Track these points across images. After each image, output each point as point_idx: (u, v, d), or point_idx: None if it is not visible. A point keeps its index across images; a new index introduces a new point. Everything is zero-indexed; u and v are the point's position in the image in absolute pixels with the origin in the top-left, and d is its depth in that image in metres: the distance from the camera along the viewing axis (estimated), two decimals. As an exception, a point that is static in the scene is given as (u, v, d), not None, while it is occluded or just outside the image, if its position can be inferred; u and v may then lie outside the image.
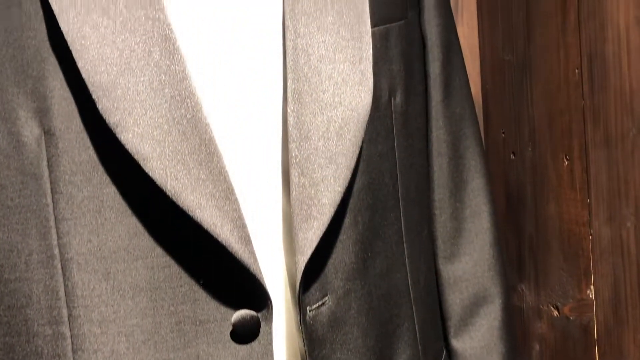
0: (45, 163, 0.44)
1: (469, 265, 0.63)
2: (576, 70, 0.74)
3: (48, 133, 0.43)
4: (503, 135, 0.92)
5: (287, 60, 0.46)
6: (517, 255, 0.89)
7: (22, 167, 0.44)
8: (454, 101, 0.63)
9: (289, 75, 0.46)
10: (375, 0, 0.53)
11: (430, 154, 0.62)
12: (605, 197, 0.71)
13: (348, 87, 0.46)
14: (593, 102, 0.71)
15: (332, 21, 0.47)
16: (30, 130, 0.44)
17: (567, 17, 0.74)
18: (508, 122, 0.90)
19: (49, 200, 0.44)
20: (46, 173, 0.44)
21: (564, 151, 0.77)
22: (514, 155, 0.90)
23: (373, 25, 0.52)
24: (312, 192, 0.44)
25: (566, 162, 0.77)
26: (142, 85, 0.41)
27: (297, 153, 0.44)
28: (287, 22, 0.46)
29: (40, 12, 0.44)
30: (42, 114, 0.43)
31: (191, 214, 0.41)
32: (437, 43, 0.61)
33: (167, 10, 0.43)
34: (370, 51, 0.48)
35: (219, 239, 0.41)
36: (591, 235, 0.74)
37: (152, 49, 0.42)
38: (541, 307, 0.85)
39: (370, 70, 0.47)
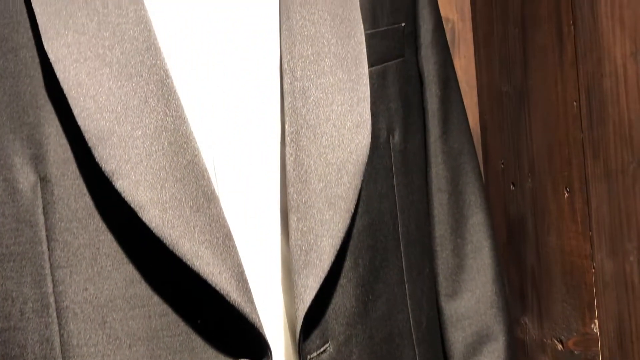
0: (40, 210, 0.43)
1: (471, 302, 0.62)
2: (574, 103, 0.74)
3: (44, 180, 0.43)
4: (502, 165, 0.92)
5: (285, 103, 0.46)
6: (519, 287, 0.88)
7: (17, 214, 0.43)
8: (452, 137, 0.63)
9: (287, 118, 0.46)
10: (373, 40, 0.53)
11: (430, 190, 0.62)
12: (607, 230, 0.70)
13: (346, 129, 0.46)
14: (592, 135, 0.71)
15: (329, 64, 0.47)
16: (25, 177, 0.43)
17: (564, 50, 0.75)
18: (507, 153, 0.90)
19: (45, 247, 0.43)
20: (42, 220, 0.43)
21: (564, 183, 0.77)
22: (514, 186, 0.89)
23: (370, 64, 0.52)
24: (312, 238, 0.43)
25: (567, 194, 0.77)
26: (139, 131, 0.41)
27: (295, 197, 0.44)
28: (285, 66, 0.46)
29: (37, 59, 0.44)
30: (38, 160, 0.43)
31: (188, 262, 0.40)
32: (434, 80, 0.61)
33: (164, 53, 0.43)
34: (368, 92, 0.48)
35: (217, 288, 0.40)
36: (594, 268, 0.73)
37: (148, 95, 0.42)
38: (545, 340, 0.83)
39: (368, 111, 0.47)
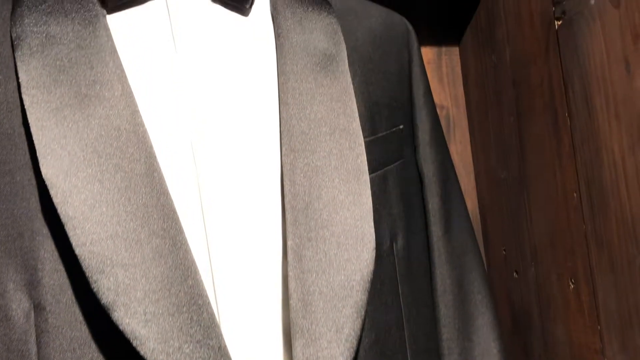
0: (33, 339, 0.41)
1: None
2: (574, 194, 0.74)
3: (38, 307, 0.41)
4: (504, 252, 0.91)
5: (287, 217, 0.45)
6: (527, 378, 0.85)
7: (9, 344, 0.42)
8: (454, 235, 0.62)
9: (289, 234, 0.45)
10: (373, 147, 0.53)
11: (435, 291, 0.60)
12: (617, 325, 0.68)
13: (350, 246, 0.45)
14: (595, 227, 0.70)
15: (331, 177, 0.47)
16: (18, 304, 0.42)
17: (561, 141, 0.75)
18: (508, 239, 0.89)
19: None
20: (34, 350, 0.41)
21: (568, 274, 0.76)
22: (517, 274, 0.88)
23: (371, 171, 0.52)
24: None
25: (572, 285, 0.75)
26: (138, 257, 0.40)
27: (300, 321, 0.42)
28: (287, 179, 0.46)
29: (34, 182, 0.43)
30: (32, 286, 0.42)
31: None
32: (434, 180, 0.61)
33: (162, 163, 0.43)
34: (371, 205, 0.47)
35: None
36: (605, 363, 0.71)
37: (148, 219, 0.41)
38: None
39: (372, 226, 0.46)
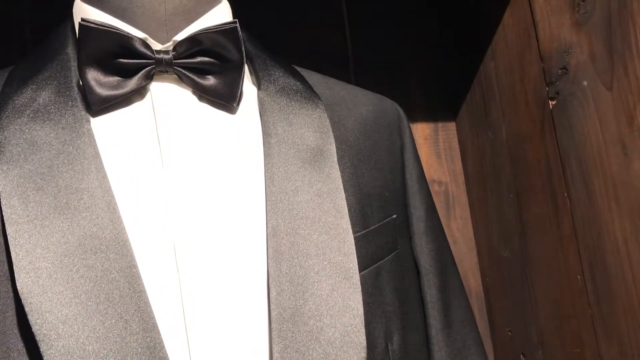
0: None
1: None
2: (578, 276, 0.71)
3: None
4: (510, 333, 0.88)
5: (273, 326, 0.43)
6: None
7: None
8: (455, 328, 0.59)
9: (275, 344, 0.43)
10: (364, 241, 0.51)
11: None
12: (631, 418, 0.65)
13: (339, 356, 0.43)
14: (601, 312, 0.68)
15: (318, 281, 0.45)
16: None
17: (561, 222, 0.73)
18: (513, 320, 0.86)
19: None
20: None
21: (577, 361, 0.72)
22: (524, 356, 0.84)
23: (363, 268, 0.50)
24: None
25: (582, 373, 0.72)
26: None
27: None
28: (272, 287, 0.44)
29: (11, 295, 0.41)
30: None
31: None
32: (431, 270, 0.59)
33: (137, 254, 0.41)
34: (361, 310, 0.45)
35: None
36: None
37: (130, 341, 0.39)
38: None
39: (362, 331, 0.44)
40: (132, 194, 0.45)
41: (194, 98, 0.50)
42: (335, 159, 0.50)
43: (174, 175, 0.47)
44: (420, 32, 0.99)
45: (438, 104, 0.99)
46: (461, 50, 0.95)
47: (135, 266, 0.41)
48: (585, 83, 0.68)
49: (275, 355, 0.42)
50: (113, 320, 0.39)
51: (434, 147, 0.97)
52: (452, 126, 0.98)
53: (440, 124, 0.98)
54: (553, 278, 0.76)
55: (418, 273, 0.60)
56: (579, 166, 0.69)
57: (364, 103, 0.60)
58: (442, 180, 0.96)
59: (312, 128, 0.51)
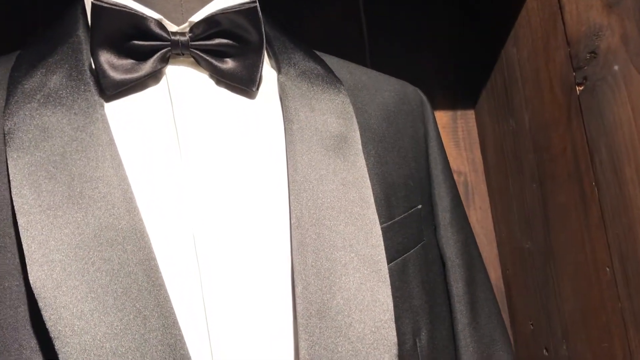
0: None
1: None
2: (607, 269, 0.69)
3: None
4: (532, 327, 0.85)
5: (299, 321, 0.41)
6: None
7: None
8: (482, 323, 0.57)
9: (302, 341, 0.40)
10: (390, 232, 0.49)
11: None
12: (663, 416, 0.62)
13: (369, 353, 0.40)
14: (633, 306, 0.65)
15: (346, 274, 0.43)
16: None
17: (589, 212, 0.71)
18: (536, 313, 0.84)
19: None
20: None
21: (606, 356, 0.70)
22: (547, 351, 0.82)
23: (390, 259, 0.47)
24: None
25: (610, 369, 0.69)
26: None
27: None
28: (298, 280, 0.42)
29: (23, 289, 0.39)
30: None
31: None
32: (458, 262, 0.57)
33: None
34: (391, 303, 0.43)
35: None
36: None
37: (149, 337, 0.37)
38: None
39: (393, 326, 0.42)
40: (148, 183, 0.43)
41: (212, 82, 0.48)
42: (360, 147, 0.47)
43: (192, 163, 0.44)
44: (438, 18, 0.96)
45: (457, 92, 0.96)
46: (481, 36, 0.92)
47: (153, 259, 0.39)
48: (616, 67, 0.65)
49: (302, 352, 0.40)
50: (131, 316, 0.37)
51: (452, 135, 0.94)
52: (471, 114, 0.96)
53: (459, 112, 0.95)
54: (579, 270, 0.73)
55: (443, 265, 0.57)
56: (609, 154, 0.66)
57: (386, 88, 0.58)
58: (461, 170, 0.94)
59: (335, 114, 0.49)
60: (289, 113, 0.48)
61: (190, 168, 0.44)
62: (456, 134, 0.95)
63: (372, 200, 0.46)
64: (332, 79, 0.52)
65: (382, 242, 0.44)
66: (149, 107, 0.46)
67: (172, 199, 0.43)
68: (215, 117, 0.47)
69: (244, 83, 0.48)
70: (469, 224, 0.62)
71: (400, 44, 0.94)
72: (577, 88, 0.71)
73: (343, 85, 0.51)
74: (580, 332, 0.74)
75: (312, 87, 0.50)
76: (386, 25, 0.94)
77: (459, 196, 0.61)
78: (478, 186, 0.94)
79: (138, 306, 0.38)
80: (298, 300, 0.41)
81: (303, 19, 0.90)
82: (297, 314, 0.41)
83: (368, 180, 0.46)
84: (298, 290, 0.41)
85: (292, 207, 0.44)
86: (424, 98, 0.62)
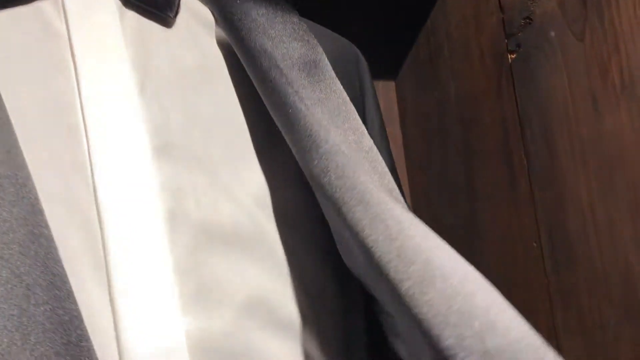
0: None
1: None
2: (534, 244, 0.66)
3: None
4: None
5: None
6: None
7: None
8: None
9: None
10: None
11: None
12: (588, 393, 0.61)
13: None
14: (559, 281, 0.63)
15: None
16: None
17: (517, 186, 0.68)
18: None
19: None
20: None
21: (529, 334, 0.68)
22: (466, 330, 0.79)
23: None
24: None
25: (533, 346, 0.68)
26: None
27: None
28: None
29: None
30: None
31: None
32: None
33: None
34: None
35: None
36: None
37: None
38: None
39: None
40: (35, 121, 0.33)
41: (118, 3, 0.39)
42: (332, 71, 0.40)
43: (90, 104, 0.35)
44: (360, -18, 0.90)
45: (377, 62, 0.91)
46: (405, 3, 0.87)
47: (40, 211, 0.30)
48: (552, 34, 0.62)
49: None
50: (9, 286, 0.27)
51: (372, 107, 0.89)
52: (391, 86, 0.91)
53: (380, 83, 0.90)
54: (505, 245, 0.71)
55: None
56: (541, 124, 0.64)
57: (326, 35, 0.51)
58: (381, 143, 0.89)
59: (297, 38, 0.41)
60: (237, 36, 0.40)
61: (89, 110, 0.35)
62: (376, 105, 0.90)
63: (362, 126, 0.39)
64: (284, 4, 0.44)
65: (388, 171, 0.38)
66: (35, 29, 0.36)
67: (65, 142, 0.34)
68: (121, 47, 0.37)
69: (158, 6, 0.39)
70: (403, 192, 0.57)
71: (320, 3, 0.88)
72: (509, 56, 0.68)
73: (295, 10, 0.44)
74: (502, 310, 0.72)
75: (264, 10, 0.42)
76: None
77: (394, 163, 0.56)
78: (397, 161, 0.90)
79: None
80: None
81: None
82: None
83: (351, 104, 0.39)
84: None
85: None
86: (360, 55, 0.56)
